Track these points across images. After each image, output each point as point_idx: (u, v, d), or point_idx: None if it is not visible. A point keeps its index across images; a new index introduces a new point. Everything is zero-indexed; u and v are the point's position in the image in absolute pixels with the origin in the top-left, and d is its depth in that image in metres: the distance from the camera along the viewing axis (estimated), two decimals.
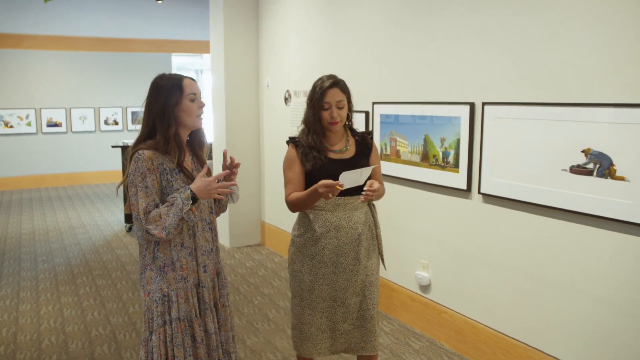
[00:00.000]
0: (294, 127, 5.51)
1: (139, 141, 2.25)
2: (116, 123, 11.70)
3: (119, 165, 9.77)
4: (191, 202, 2.17)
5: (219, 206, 2.50)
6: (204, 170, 2.25)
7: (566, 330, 2.93)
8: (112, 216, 8.10)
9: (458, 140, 3.46)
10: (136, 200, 2.14)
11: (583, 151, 2.75)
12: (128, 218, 7.09)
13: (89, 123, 11.48)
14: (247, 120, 6.24)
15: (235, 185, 2.35)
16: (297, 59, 5.46)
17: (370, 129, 4.33)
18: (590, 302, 2.80)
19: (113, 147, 7.25)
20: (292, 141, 2.72)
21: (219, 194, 2.25)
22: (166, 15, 10.81)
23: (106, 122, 11.62)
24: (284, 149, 5.76)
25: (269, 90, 6.06)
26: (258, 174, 6.39)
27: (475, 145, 3.36)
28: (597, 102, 2.67)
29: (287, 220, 5.77)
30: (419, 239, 3.92)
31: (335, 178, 2.39)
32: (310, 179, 2.62)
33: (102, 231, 7.15)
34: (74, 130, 11.33)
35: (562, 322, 2.95)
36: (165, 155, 2.22)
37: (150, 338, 2.25)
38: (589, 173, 2.73)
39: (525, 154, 3.04)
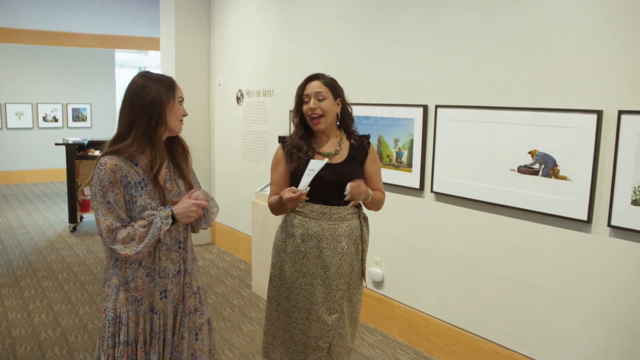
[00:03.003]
0: (247, 127, 5.56)
1: (112, 144, 2.02)
2: (56, 120, 11.30)
3: (61, 164, 9.48)
4: (170, 222, 2.00)
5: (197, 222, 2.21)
6: (193, 192, 2.10)
7: (511, 319, 3.11)
8: (54, 216, 7.83)
9: (411, 141, 3.59)
10: (98, 216, 1.96)
11: (530, 152, 2.92)
12: (72, 218, 6.89)
13: (26, 119, 11.03)
14: (198, 120, 6.20)
15: (206, 207, 2.13)
16: (249, 59, 5.47)
17: None
18: (533, 292, 2.98)
19: (57, 144, 7.01)
20: (281, 140, 2.59)
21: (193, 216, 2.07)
22: (110, 10, 10.54)
23: (45, 119, 11.20)
24: (235, 148, 5.80)
25: (220, 89, 6.05)
26: (209, 174, 6.35)
27: (428, 146, 3.50)
28: (543, 107, 2.85)
29: (238, 220, 5.78)
30: (372, 236, 4.02)
31: (319, 182, 2.33)
32: (294, 179, 2.49)
33: (44, 232, 6.92)
34: (9, 126, 10.86)
35: (507, 313, 3.12)
36: (131, 165, 2.01)
37: (101, 358, 2.10)
38: (535, 173, 2.91)
39: (475, 154, 3.20)
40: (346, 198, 2.40)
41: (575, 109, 2.71)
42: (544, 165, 2.88)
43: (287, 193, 2.33)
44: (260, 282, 4.64)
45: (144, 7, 10.35)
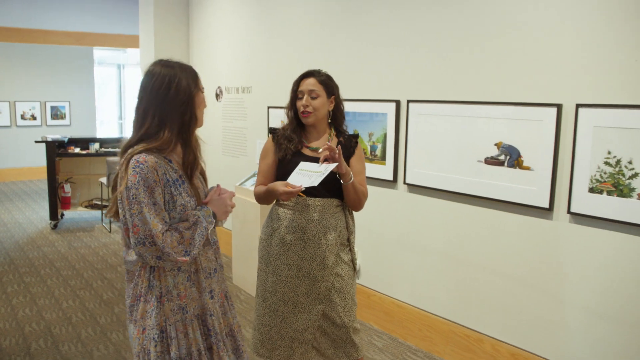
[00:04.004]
0: (226, 123, 5.66)
1: (133, 142, 1.86)
2: (34, 118, 11.25)
3: (40, 162, 9.46)
4: (214, 220, 1.92)
5: None
6: (218, 189, 2.03)
7: (481, 304, 3.27)
8: (35, 214, 7.84)
9: (385, 135, 3.73)
10: (142, 219, 1.74)
11: (495, 144, 3.08)
12: (53, 215, 6.91)
13: (3, 118, 10.96)
14: None
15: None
16: (228, 57, 5.57)
17: None
18: (500, 278, 3.15)
19: (37, 142, 7.02)
20: (272, 131, 2.67)
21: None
22: (87, 8, 10.51)
23: (23, 117, 11.14)
24: (215, 144, 5.89)
25: None
26: None
27: (400, 139, 3.65)
28: (507, 101, 3.01)
29: None
30: None
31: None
32: (280, 169, 2.57)
33: (25, 230, 6.93)
34: None
35: (477, 297, 3.29)
36: (167, 162, 1.86)
37: None
38: (501, 164, 3.07)
39: (445, 147, 3.35)
40: (320, 150, 2.42)
41: (537, 103, 2.87)
42: (508, 157, 3.04)
43: (282, 187, 2.35)
44: (241, 274, 4.76)
45: (121, 4, 10.34)
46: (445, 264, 3.47)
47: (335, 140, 2.61)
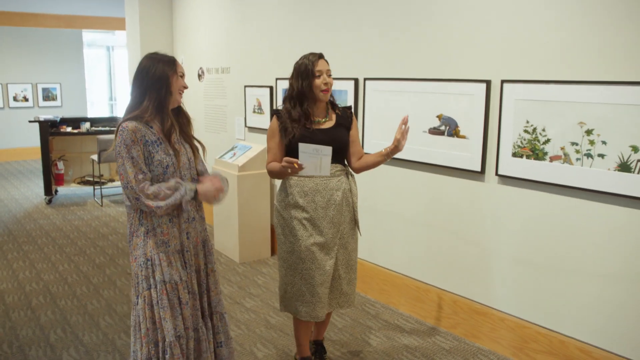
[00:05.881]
0: (208, 101, 6.06)
1: (127, 113, 2.36)
2: (26, 99, 11.57)
3: (33, 142, 9.78)
4: (193, 195, 2.35)
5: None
6: (217, 178, 2.46)
7: (427, 259, 3.73)
8: (30, 191, 8.24)
9: None
10: (124, 169, 2.25)
11: (437, 116, 3.51)
12: (47, 191, 7.32)
13: None
14: None
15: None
16: (209, 39, 5.95)
17: (275, 102, 4.94)
18: (442, 233, 3.60)
19: (30, 122, 7.40)
20: (275, 113, 2.91)
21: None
22: None
23: (15, 99, 11.46)
24: (198, 121, 6.28)
25: (183, 67, 6.50)
26: None
27: (359, 113, 4.07)
28: (446, 78, 3.43)
29: None
30: None
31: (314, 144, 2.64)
32: (289, 150, 2.81)
33: (21, 205, 7.34)
34: None
35: (424, 253, 3.74)
36: (147, 127, 2.33)
37: (137, 302, 2.35)
38: (442, 133, 3.50)
39: (396, 119, 3.76)
40: (397, 141, 2.71)
41: (470, 79, 3.30)
42: (448, 127, 3.47)
43: (284, 162, 2.62)
44: (221, 239, 5.21)
45: None
46: (398, 224, 3.92)
47: (333, 113, 2.93)
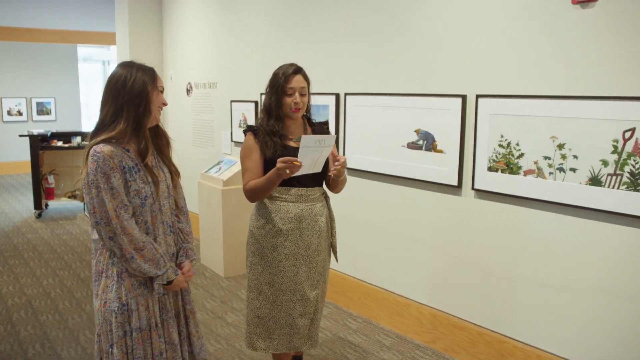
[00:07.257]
0: (195, 116, 6.09)
1: (93, 133, 2.06)
2: (20, 114, 11.62)
3: (26, 156, 9.77)
4: (166, 283, 2.11)
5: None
6: (188, 267, 2.25)
7: (406, 272, 3.73)
8: (21, 205, 8.25)
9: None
10: (100, 202, 1.95)
11: (415, 131, 3.53)
12: (37, 205, 7.32)
13: None
14: None
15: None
16: (196, 54, 6.00)
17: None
18: (422, 247, 3.61)
19: (21, 136, 7.43)
20: (250, 129, 2.65)
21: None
22: (71, 6, 10.86)
23: (9, 113, 11.51)
24: (186, 136, 6.31)
25: (172, 82, 6.55)
26: None
27: (340, 127, 4.10)
28: (423, 93, 3.46)
29: (188, 200, 6.31)
30: None
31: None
32: (269, 166, 2.55)
33: (10, 218, 7.35)
34: None
35: (404, 266, 3.75)
36: (124, 151, 2.04)
37: (112, 351, 2.07)
38: (420, 148, 3.52)
39: (375, 133, 3.80)
40: (334, 169, 2.51)
41: (446, 94, 3.32)
42: (426, 141, 3.49)
43: (280, 163, 2.37)
44: (207, 254, 5.21)
45: (104, 3, 10.66)
46: (378, 238, 3.92)
47: (309, 129, 2.75)
